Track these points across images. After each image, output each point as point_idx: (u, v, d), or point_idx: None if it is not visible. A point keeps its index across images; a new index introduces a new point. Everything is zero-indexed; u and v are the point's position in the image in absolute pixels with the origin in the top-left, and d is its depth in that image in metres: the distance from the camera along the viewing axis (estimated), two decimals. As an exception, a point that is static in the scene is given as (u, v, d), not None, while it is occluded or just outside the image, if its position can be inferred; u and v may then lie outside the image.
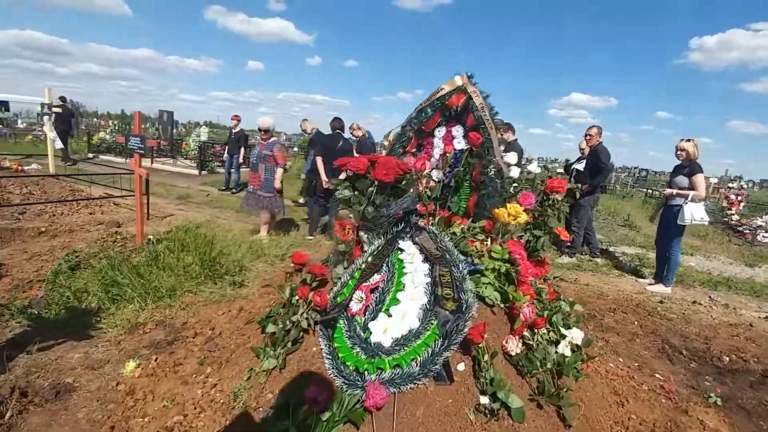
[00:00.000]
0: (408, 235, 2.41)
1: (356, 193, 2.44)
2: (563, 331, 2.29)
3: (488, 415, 1.71)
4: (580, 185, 3.29)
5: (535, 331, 2.19)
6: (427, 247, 2.27)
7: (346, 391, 1.72)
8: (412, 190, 2.61)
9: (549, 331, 2.35)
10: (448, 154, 2.79)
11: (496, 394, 1.73)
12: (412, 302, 1.96)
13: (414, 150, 2.88)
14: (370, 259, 2.35)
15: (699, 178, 4.61)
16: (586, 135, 5.82)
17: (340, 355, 1.85)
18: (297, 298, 2.17)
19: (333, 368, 1.82)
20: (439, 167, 2.86)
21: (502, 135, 5.84)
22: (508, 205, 2.57)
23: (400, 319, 1.88)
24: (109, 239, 4.95)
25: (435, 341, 1.80)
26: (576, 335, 2.30)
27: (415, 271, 2.11)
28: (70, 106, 12.15)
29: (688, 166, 4.70)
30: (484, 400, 1.73)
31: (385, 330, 1.85)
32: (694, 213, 4.60)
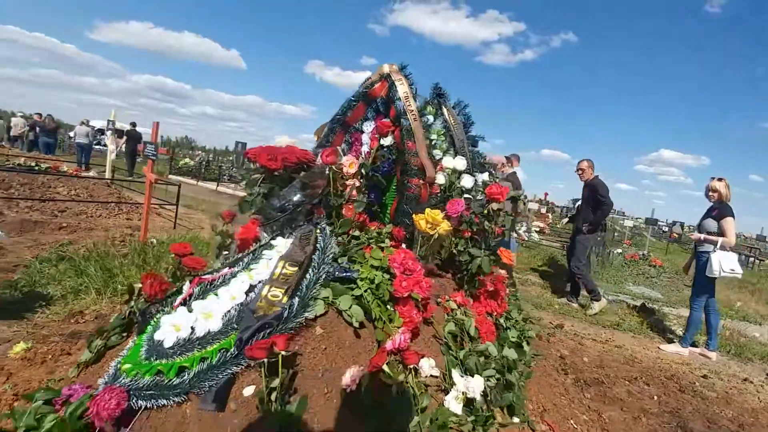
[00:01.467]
0: (291, 232, 2.06)
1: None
2: (455, 376, 1.68)
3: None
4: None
5: (408, 368, 1.63)
6: (297, 245, 1.89)
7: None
8: (319, 184, 2.27)
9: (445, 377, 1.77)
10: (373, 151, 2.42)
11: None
12: (231, 301, 1.58)
13: (341, 146, 2.56)
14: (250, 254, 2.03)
15: (728, 223, 3.91)
16: (577, 170, 5.37)
17: (128, 352, 1.52)
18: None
19: (115, 366, 1.49)
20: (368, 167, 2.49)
21: (506, 165, 5.31)
22: (427, 211, 2.10)
23: (202, 318, 1.51)
24: (118, 239, 5.25)
25: (226, 351, 1.39)
26: (474, 386, 1.66)
27: (260, 269, 1.74)
28: (138, 132, 13.81)
29: (718, 208, 4.01)
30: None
31: (178, 328, 1.49)
32: (724, 263, 3.85)
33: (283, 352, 1.35)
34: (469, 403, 1.71)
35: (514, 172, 5.41)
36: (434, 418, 1.57)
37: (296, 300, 1.55)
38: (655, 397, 3.20)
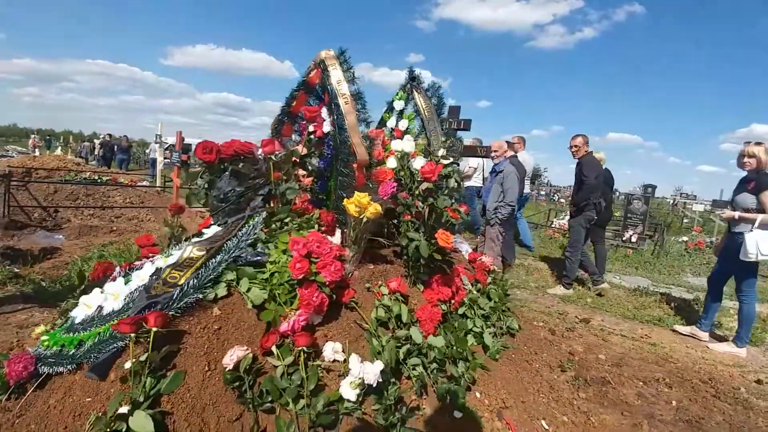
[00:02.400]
0: (226, 221, 2.14)
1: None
2: (351, 361, 1.61)
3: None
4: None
5: (292, 349, 1.58)
6: (222, 232, 1.96)
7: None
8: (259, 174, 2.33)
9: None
10: (314, 138, 2.41)
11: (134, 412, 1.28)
12: (140, 283, 1.68)
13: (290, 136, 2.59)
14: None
15: None
16: (570, 147, 4.90)
17: (58, 327, 1.70)
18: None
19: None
20: (314, 155, 2.49)
21: (508, 150, 4.86)
22: (355, 195, 2.05)
23: (111, 298, 1.63)
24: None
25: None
26: (369, 372, 1.57)
27: (177, 254, 1.83)
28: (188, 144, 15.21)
29: (756, 179, 3.33)
30: (124, 409, 1.31)
31: (89, 306, 1.63)
32: (762, 244, 3.18)
33: (154, 329, 1.41)
34: (380, 390, 1.63)
35: (515, 156, 5.01)
36: (328, 402, 1.53)
37: (192, 281, 1.61)
38: (674, 402, 2.77)
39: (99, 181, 7.02)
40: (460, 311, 2.43)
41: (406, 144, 2.34)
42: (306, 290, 1.69)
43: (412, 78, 3.21)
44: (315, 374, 1.57)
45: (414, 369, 1.83)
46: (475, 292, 2.63)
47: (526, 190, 4.29)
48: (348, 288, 1.89)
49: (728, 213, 3.54)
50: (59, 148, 21.90)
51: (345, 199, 2.06)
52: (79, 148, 20.54)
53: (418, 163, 2.42)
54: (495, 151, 4.44)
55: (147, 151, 18.12)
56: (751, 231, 3.27)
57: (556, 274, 6.10)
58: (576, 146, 4.86)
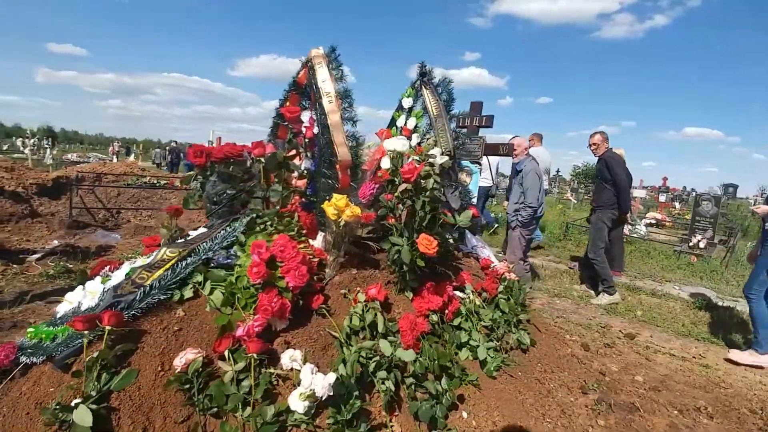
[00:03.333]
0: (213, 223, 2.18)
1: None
2: (303, 372, 1.51)
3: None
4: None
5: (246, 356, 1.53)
6: (203, 234, 2.00)
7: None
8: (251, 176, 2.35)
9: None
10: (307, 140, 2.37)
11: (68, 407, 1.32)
12: (115, 281, 1.75)
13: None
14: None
15: None
16: (590, 145, 4.77)
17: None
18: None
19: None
20: (308, 156, 2.45)
21: (527, 148, 4.42)
22: (333, 196, 1.98)
23: (90, 295, 1.71)
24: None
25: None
26: (319, 383, 1.48)
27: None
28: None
29: None
30: (75, 402, 1.35)
31: (70, 302, 1.72)
32: None
33: (108, 327, 1.45)
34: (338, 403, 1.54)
35: (527, 150, 4.67)
36: (277, 412, 1.48)
37: (156, 283, 1.64)
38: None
39: (157, 184, 7.64)
40: (456, 322, 2.25)
41: (398, 143, 2.22)
42: (265, 295, 1.65)
43: (422, 74, 3.06)
44: (265, 382, 1.52)
45: (383, 383, 1.71)
46: (478, 301, 2.43)
47: (545, 185, 4.01)
48: (318, 294, 1.83)
49: (763, 208, 3.18)
50: (133, 155, 24.47)
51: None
52: (152, 155, 22.86)
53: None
54: (515, 149, 4.13)
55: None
56: None
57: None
58: (595, 144, 4.72)
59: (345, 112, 2.13)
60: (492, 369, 2.19)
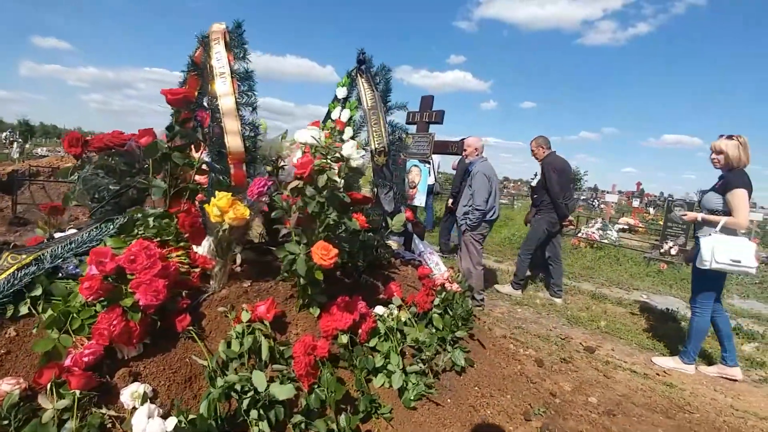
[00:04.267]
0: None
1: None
2: (135, 417, 1.19)
3: None
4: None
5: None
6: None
7: None
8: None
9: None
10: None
11: None
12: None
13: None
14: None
15: (736, 197, 2.82)
16: (532, 151, 4.85)
17: None
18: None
19: None
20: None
21: (477, 151, 4.24)
22: (216, 195, 1.66)
23: None
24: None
25: None
26: (154, 429, 1.16)
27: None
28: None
29: (725, 177, 2.98)
30: None
31: None
32: (718, 252, 2.80)
33: None
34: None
35: (537, 153, 4.82)
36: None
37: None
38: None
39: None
40: (372, 343, 1.95)
41: (306, 134, 1.90)
42: (106, 315, 1.32)
43: (360, 61, 2.77)
44: (94, 425, 1.20)
45: (256, 424, 1.40)
46: (404, 317, 2.13)
47: (496, 186, 3.90)
48: (185, 313, 1.50)
49: (691, 215, 3.17)
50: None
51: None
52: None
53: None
54: (466, 148, 3.89)
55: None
56: (710, 235, 2.90)
57: (572, 289, 5.33)
58: (532, 150, 4.82)
59: (243, 97, 1.81)
60: (411, 398, 1.89)
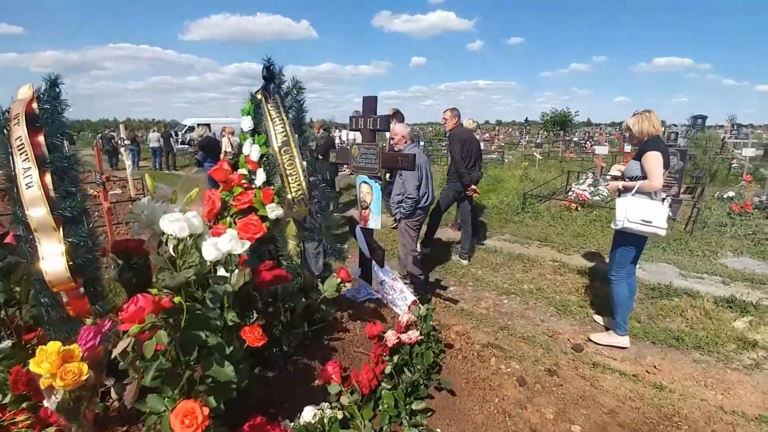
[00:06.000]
0: None
1: None
2: None
3: None
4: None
5: None
6: None
7: None
8: None
9: None
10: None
11: None
12: None
13: None
14: None
15: (648, 159, 2.97)
16: (443, 120, 5.16)
17: None
18: None
19: None
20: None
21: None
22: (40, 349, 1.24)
23: None
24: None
25: None
26: None
27: None
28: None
29: (641, 148, 3.12)
30: None
31: None
32: (630, 212, 2.97)
33: None
34: None
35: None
36: None
37: None
38: None
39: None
40: None
41: (176, 225, 1.44)
42: None
43: (266, 78, 2.21)
44: None
45: None
46: (339, 415, 1.80)
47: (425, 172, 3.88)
48: None
49: (613, 183, 3.31)
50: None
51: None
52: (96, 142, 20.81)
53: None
54: (393, 137, 3.86)
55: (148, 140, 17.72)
56: (625, 196, 3.03)
57: (563, 270, 5.02)
58: (444, 119, 5.01)
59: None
60: None
